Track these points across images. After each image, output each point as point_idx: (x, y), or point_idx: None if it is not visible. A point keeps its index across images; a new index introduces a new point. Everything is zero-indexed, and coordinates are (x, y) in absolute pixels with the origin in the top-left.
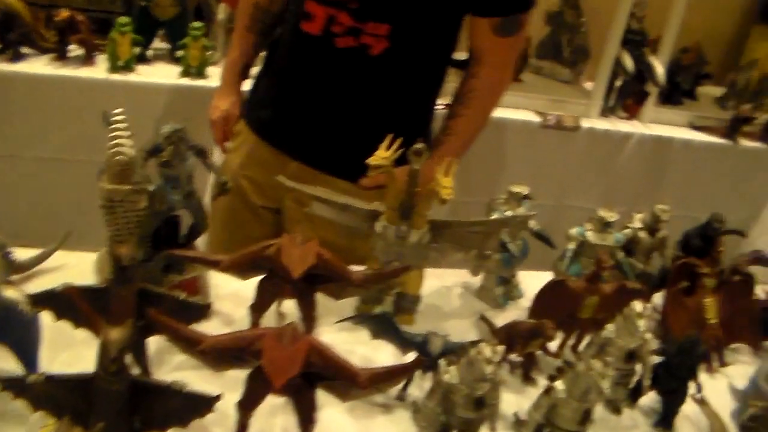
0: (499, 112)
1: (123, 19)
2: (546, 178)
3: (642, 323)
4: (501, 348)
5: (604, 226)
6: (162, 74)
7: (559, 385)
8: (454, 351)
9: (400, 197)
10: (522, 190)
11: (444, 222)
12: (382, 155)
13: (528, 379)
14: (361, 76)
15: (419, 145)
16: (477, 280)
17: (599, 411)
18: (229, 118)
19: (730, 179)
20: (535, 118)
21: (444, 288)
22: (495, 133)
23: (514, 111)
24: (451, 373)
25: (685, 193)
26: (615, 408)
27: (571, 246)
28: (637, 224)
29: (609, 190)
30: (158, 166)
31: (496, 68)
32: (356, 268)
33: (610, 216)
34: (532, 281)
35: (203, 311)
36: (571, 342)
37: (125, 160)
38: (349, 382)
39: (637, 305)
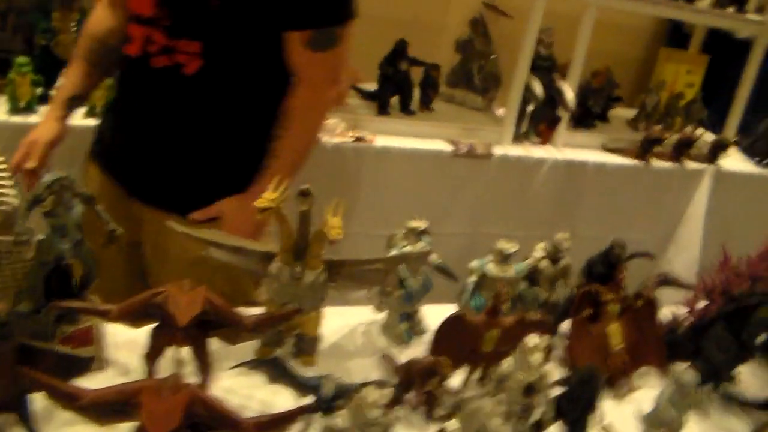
0: (410, 142)
1: (22, 59)
2: (461, 206)
3: (536, 357)
4: (388, 391)
5: (504, 258)
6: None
7: (452, 424)
8: (347, 393)
9: (292, 238)
10: (420, 224)
11: (339, 261)
12: (269, 197)
13: (430, 418)
14: (178, 97)
15: (305, 187)
16: (381, 317)
17: None
18: (36, 143)
19: (644, 200)
20: (447, 147)
21: (347, 326)
22: (407, 163)
23: (425, 141)
24: (342, 417)
25: (601, 216)
26: None
27: (472, 279)
28: (539, 253)
29: (525, 216)
30: (43, 216)
31: (312, 86)
32: (253, 311)
33: (510, 247)
34: (437, 315)
35: (87, 364)
36: (476, 376)
37: (7, 210)
38: (234, 431)
39: (531, 339)
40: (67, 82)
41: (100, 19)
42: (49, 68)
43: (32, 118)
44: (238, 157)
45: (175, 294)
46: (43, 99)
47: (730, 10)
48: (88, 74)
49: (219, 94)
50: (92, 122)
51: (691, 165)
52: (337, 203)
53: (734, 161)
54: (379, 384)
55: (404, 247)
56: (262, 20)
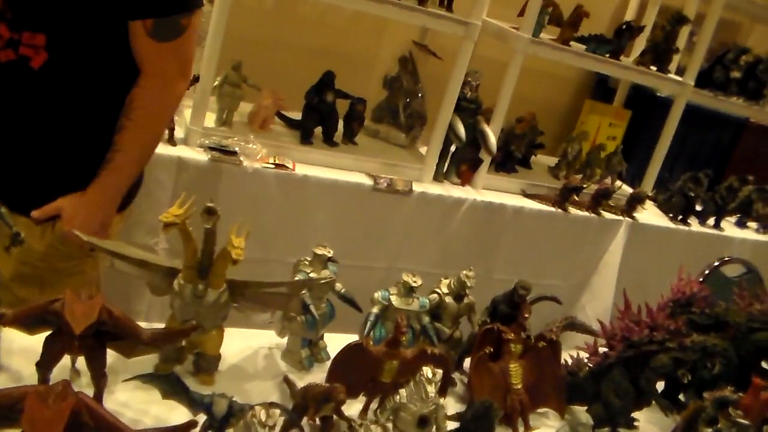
0: (331, 173)
1: None
2: (378, 240)
3: (432, 389)
4: (279, 412)
5: (409, 290)
6: None
7: None
8: (240, 413)
9: (196, 256)
10: (326, 252)
11: (243, 282)
12: (174, 212)
13: None
14: (24, 92)
15: (211, 204)
16: (284, 342)
17: None
18: None
19: (560, 247)
20: (368, 181)
21: (249, 348)
22: (327, 193)
23: (346, 173)
24: None
25: (517, 259)
26: None
27: (375, 310)
28: (444, 289)
29: (442, 254)
30: None
31: (157, 77)
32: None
33: (414, 281)
34: (340, 344)
35: None
36: (374, 406)
37: None
38: None
39: (428, 371)
40: None
41: None
42: None
43: None
44: (85, 152)
45: (71, 302)
46: None
47: (653, 69)
48: None
49: (65, 88)
50: None
51: (608, 216)
52: (242, 224)
53: (650, 215)
54: (271, 405)
55: (310, 273)
56: (105, 9)
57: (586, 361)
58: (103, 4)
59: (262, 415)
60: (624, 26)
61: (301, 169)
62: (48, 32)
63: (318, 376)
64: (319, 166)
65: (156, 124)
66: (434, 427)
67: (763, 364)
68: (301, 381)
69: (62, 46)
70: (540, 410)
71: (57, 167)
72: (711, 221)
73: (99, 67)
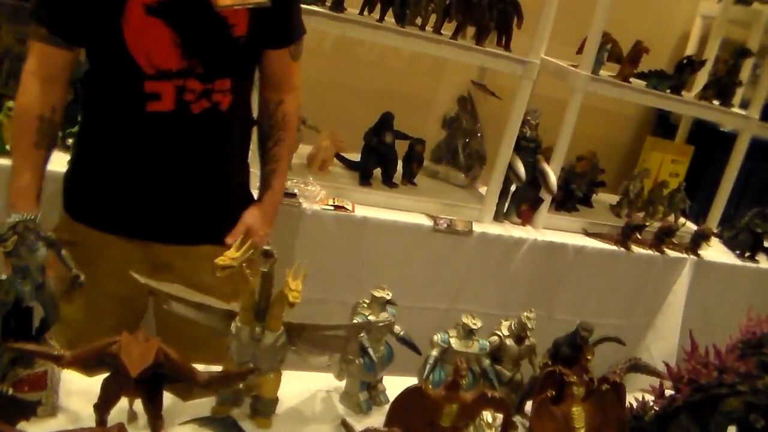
0: (390, 214)
1: (12, 103)
2: (438, 281)
3: None
4: None
5: (468, 333)
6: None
7: None
8: None
9: (254, 298)
10: (384, 294)
11: (299, 324)
12: (231, 255)
13: None
14: (215, 134)
15: (268, 248)
16: (342, 385)
17: None
18: None
19: (623, 286)
20: (428, 222)
21: (307, 391)
22: (386, 235)
23: (406, 214)
24: None
25: (579, 299)
26: None
27: (434, 352)
28: (504, 332)
29: (502, 295)
30: (5, 256)
31: (294, 90)
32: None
33: (474, 323)
34: (399, 386)
35: (33, 408)
36: None
37: None
38: None
39: (488, 415)
40: (27, 177)
41: (40, 97)
42: None
43: None
44: (242, 175)
45: (128, 344)
46: None
47: (716, 103)
48: (45, 160)
49: (241, 120)
50: None
51: (672, 254)
52: (299, 266)
53: (715, 252)
54: None
55: (368, 316)
56: (273, 41)
57: (651, 404)
58: (274, 37)
59: None
60: (685, 61)
61: (361, 211)
62: (234, 75)
63: (377, 419)
64: (378, 208)
65: (295, 128)
66: None
67: None
68: (359, 424)
69: (241, 85)
70: None
71: (234, 192)
72: None
73: (249, 97)
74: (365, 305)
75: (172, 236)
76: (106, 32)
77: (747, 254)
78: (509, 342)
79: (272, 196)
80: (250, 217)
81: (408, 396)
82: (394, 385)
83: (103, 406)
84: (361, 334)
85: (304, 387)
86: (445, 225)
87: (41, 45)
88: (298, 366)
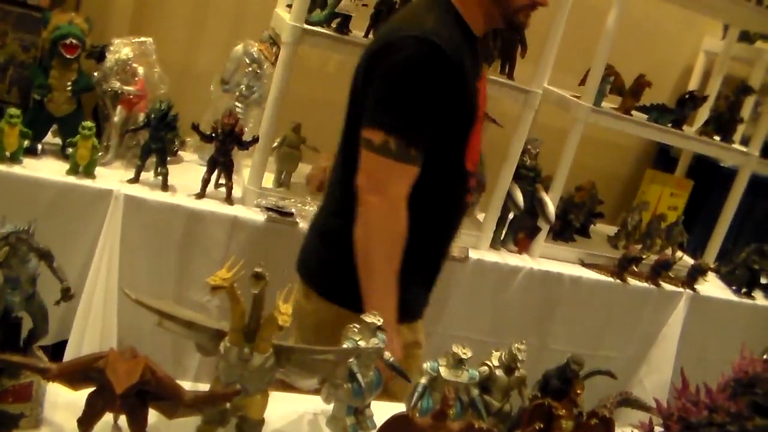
0: None
1: (13, 111)
2: (432, 306)
3: None
4: None
5: (458, 362)
6: (49, 170)
7: None
8: None
9: (243, 320)
10: (375, 320)
11: (289, 347)
12: (222, 275)
13: None
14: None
15: (259, 269)
16: (329, 408)
17: None
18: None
19: (618, 318)
20: None
21: (294, 413)
22: None
23: None
24: None
25: (573, 329)
26: None
27: (423, 381)
28: (495, 362)
29: (497, 322)
30: None
31: None
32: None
33: (464, 353)
34: (386, 412)
35: (15, 420)
36: None
37: None
38: None
39: None
40: (396, 296)
41: (405, 220)
42: (39, 123)
43: (16, 169)
44: None
45: (115, 360)
46: (30, 151)
47: (717, 139)
48: None
49: None
50: (73, 179)
51: (668, 287)
52: (290, 289)
53: (712, 287)
54: None
55: (358, 341)
56: None
57: None
58: None
59: None
60: (687, 96)
61: None
62: None
63: None
64: None
65: None
66: None
67: None
68: None
69: None
70: None
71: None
72: None
73: None
74: (356, 330)
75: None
76: (457, 144)
77: (743, 290)
78: (499, 372)
79: None
80: None
81: (395, 423)
82: (382, 410)
83: (86, 421)
84: (350, 359)
85: (291, 408)
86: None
87: (410, 168)
88: (281, 387)
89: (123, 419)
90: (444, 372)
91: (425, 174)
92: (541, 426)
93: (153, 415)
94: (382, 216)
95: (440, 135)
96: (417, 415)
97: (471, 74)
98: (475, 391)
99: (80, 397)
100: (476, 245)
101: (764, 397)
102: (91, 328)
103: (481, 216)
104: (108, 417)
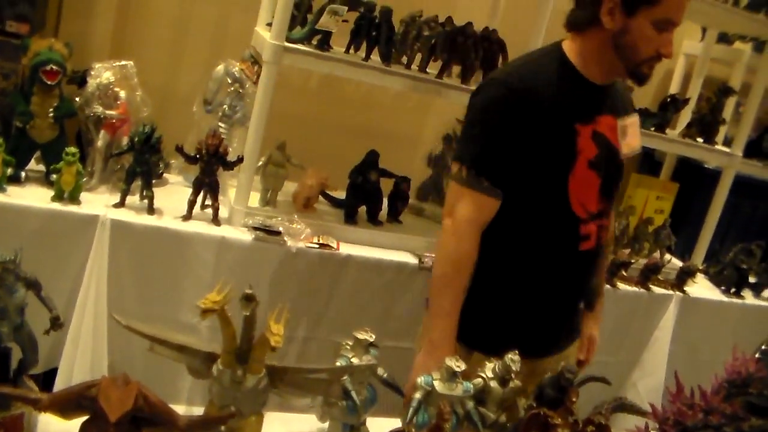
0: (375, 252)
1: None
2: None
3: None
4: None
5: (452, 375)
6: (34, 197)
7: None
8: None
9: (235, 342)
10: (368, 337)
11: (282, 368)
12: (212, 298)
13: None
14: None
15: (249, 291)
16: (325, 427)
17: None
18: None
19: (609, 323)
20: (413, 260)
21: None
22: (372, 273)
23: (391, 252)
24: None
25: None
26: None
27: (418, 395)
28: (489, 374)
29: None
30: None
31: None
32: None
33: (458, 365)
34: (382, 428)
35: None
36: None
37: None
38: None
39: None
40: (456, 318)
41: (471, 247)
42: (22, 150)
43: (0, 197)
44: None
45: (107, 387)
46: (13, 179)
47: (700, 140)
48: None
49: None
50: (58, 206)
51: (658, 290)
52: (281, 309)
53: (701, 289)
54: None
55: (351, 358)
56: None
57: None
58: None
59: None
60: (669, 99)
61: (346, 249)
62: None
63: None
64: (363, 246)
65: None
66: None
67: None
68: None
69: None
70: None
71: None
72: (766, 293)
73: None
74: (348, 347)
75: (552, 349)
76: (553, 186)
77: (732, 290)
78: (493, 384)
79: (602, 304)
80: (589, 329)
81: None
82: (378, 427)
83: None
84: (344, 377)
85: (286, 429)
86: (431, 263)
87: (480, 195)
88: (281, 407)
89: None
90: (438, 386)
91: (527, 214)
92: None
93: None
94: (447, 236)
95: (528, 174)
96: (413, 430)
97: (565, 117)
98: (471, 404)
99: (73, 426)
100: None
101: (759, 397)
102: (81, 356)
103: None
104: None
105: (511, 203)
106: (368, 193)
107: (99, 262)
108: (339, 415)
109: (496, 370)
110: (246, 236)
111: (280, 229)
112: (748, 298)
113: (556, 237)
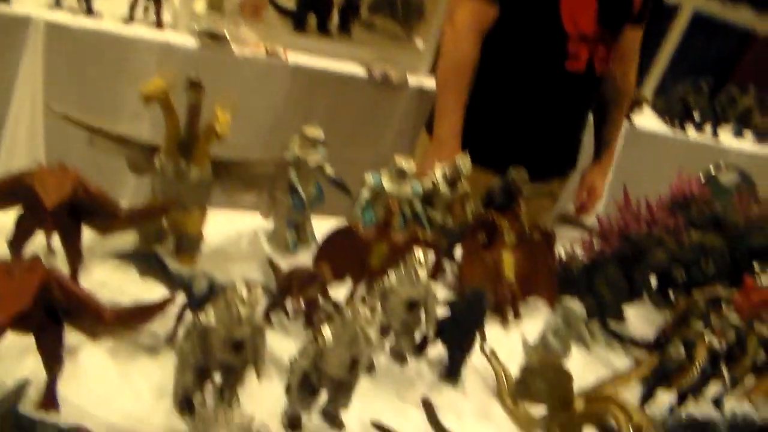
0: (324, 63)
1: None
2: (369, 133)
3: (423, 272)
4: (259, 290)
5: (401, 174)
6: None
7: (326, 331)
8: (220, 291)
9: (178, 132)
10: (317, 134)
11: (227, 160)
12: (156, 83)
13: (310, 325)
14: (593, 92)
15: (194, 78)
16: (269, 224)
17: (383, 361)
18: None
19: None
20: (362, 72)
21: (233, 230)
22: (319, 83)
23: (340, 63)
24: (208, 314)
25: None
26: (400, 358)
27: (366, 193)
28: (438, 176)
29: None
30: None
31: (634, 61)
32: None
33: (407, 165)
34: (327, 228)
35: None
36: (361, 291)
37: None
38: (94, 318)
39: (419, 253)
40: (459, 114)
41: (475, 49)
42: None
43: None
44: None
45: (43, 175)
46: None
47: None
48: (465, 107)
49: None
50: None
51: None
52: (228, 99)
53: (648, 120)
54: (253, 283)
55: (298, 153)
56: (644, 17)
57: (580, 256)
58: (644, 14)
59: (244, 293)
60: None
61: (294, 58)
62: (615, 44)
63: (304, 259)
64: (311, 54)
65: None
66: (423, 311)
67: (756, 266)
68: (286, 264)
69: (612, 53)
70: (531, 301)
71: (578, 141)
72: (708, 129)
73: None
74: (296, 143)
75: (537, 172)
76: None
77: (675, 121)
78: (443, 186)
79: (611, 152)
80: (592, 176)
81: (337, 235)
82: (323, 227)
83: (17, 242)
84: (291, 173)
85: (230, 226)
86: (381, 76)
87: (476, 2)
88: (224, 204)
89: (57, 240)
90: (387, 185)
91: (519, 23)
92: (485, 239)
93: (89, 236)
94: (447, 43)
95: None
96: (360, 226)
97: None
98: (419, 205)
99: (7, 220)
100: (415, 71)
101: (698, 214)
102: (17, 160)
103: (419, 42)
104: (41, 239)
105: (506, 12)
106: (318, 1)
107: (33, 69)
108: (284, 211)
109: (446, 171)
110: (190, 41)
111: (227, 34)
112: (692, 134)
113: (543, 49)
